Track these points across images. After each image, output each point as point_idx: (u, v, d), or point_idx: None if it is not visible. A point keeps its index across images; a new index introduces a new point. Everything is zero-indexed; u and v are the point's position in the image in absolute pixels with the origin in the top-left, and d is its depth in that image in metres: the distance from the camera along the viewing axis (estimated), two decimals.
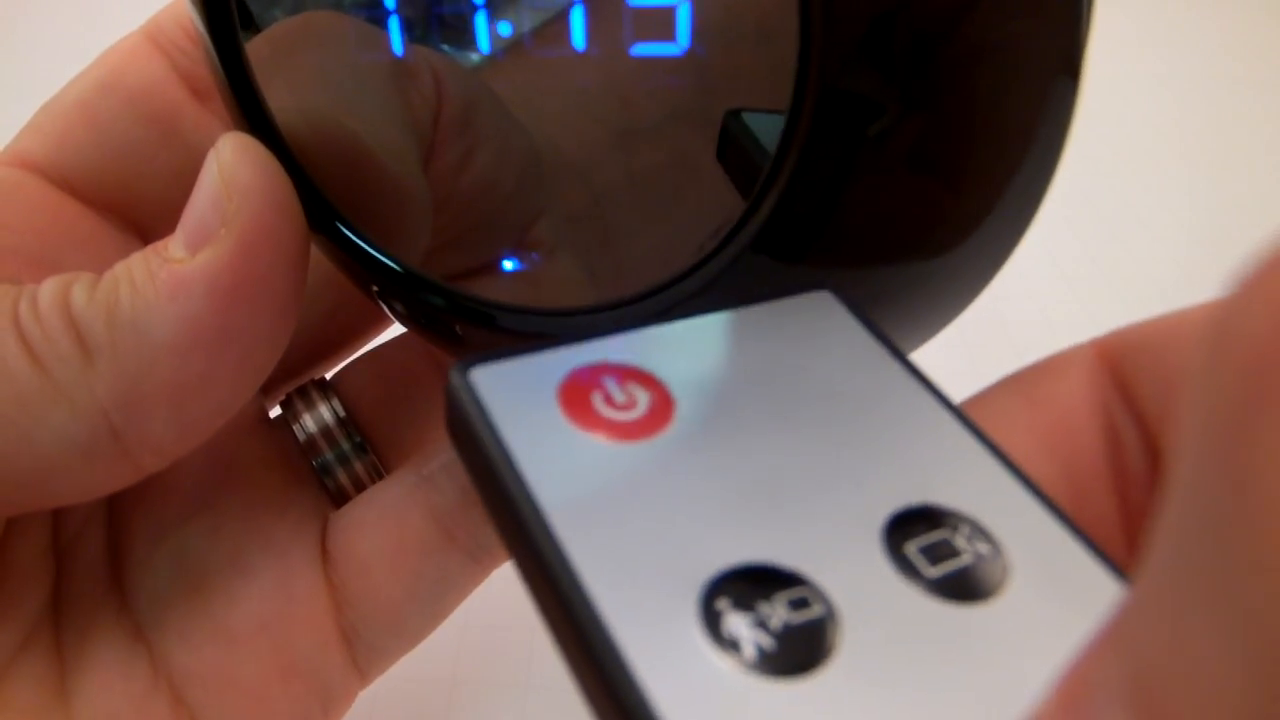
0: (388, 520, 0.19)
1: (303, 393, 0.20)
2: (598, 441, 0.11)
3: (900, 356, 0.13)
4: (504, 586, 0.27)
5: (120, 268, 0.15)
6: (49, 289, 0.15)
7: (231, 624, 0.18)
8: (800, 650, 0.09)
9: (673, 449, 0.11)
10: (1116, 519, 0.13)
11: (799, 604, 0.10)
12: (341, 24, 0.15)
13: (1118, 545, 0.12)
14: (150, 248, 0.15)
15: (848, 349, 0.13)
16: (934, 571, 0.10)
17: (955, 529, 0.11)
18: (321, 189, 0.16)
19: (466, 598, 0.20)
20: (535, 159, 0.15)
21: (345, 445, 0.20)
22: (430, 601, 0.19)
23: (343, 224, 0.16)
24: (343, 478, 0.20)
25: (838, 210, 0.14)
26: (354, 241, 0.16)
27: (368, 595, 0.19)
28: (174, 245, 0.14)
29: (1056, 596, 0.10)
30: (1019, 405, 0.13)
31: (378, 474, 0.20)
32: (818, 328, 0.13)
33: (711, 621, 0.10)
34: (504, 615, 0.27)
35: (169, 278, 0.14)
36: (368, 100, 0.15)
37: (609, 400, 0.12)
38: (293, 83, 0.15)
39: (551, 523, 0.10)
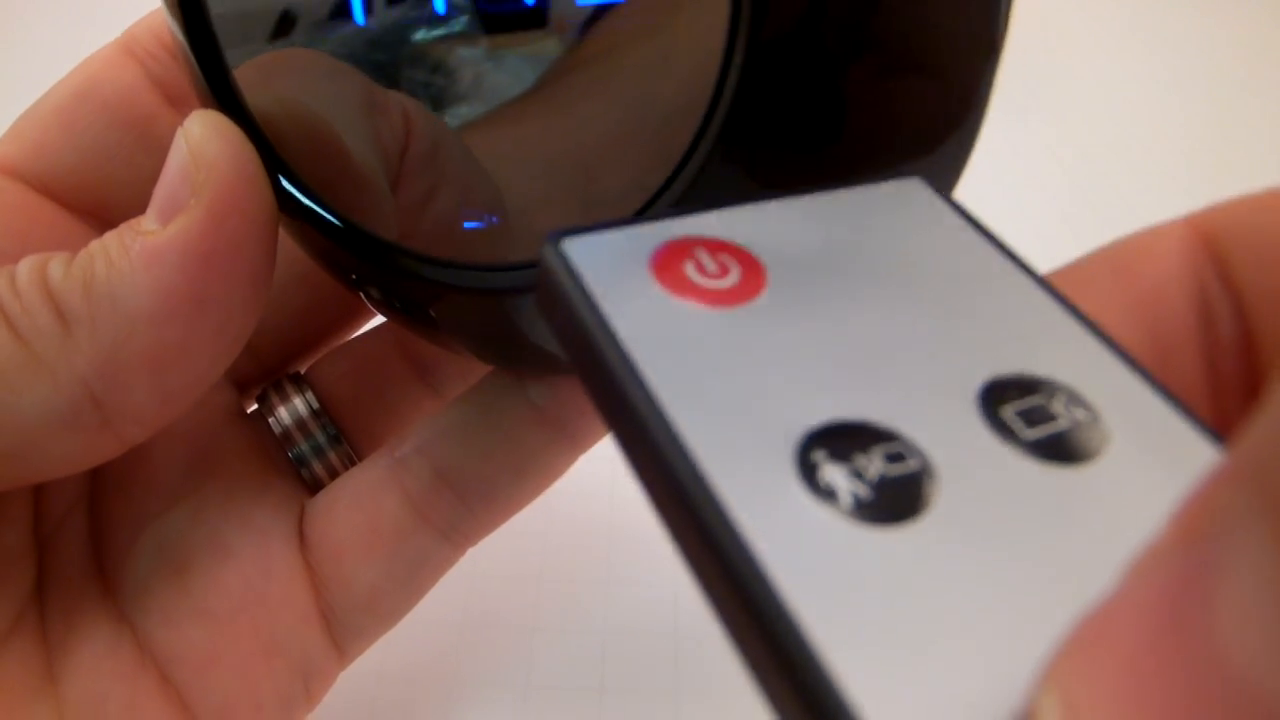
0: (362, 503, 0.19)
1: (277, 387, 0.21)
2: (691, 307, 0.11)
3: (989, 236, 0.13)
4: (504, 586, 0.27)
5: (95, 244, 0.15)
6: (26, 266, 0.15)
7: (213, 605, 0.18)
8: (897, 500, 0.09)
9: (766, 316, 0.11)
10: (1204, 388, 0.13)
11: (895, 458, 0.10)
12: (319, 60, 0.16)
13: (1205, 412, 0.13)
14: (124, 225, 0.15)
15: (938, 227, 0.13)
16: (1031, 434, 0.10)
17: (1052, 395, 0.11)
18: (294, 170, 0.16)
19: (440, 578, 0.20)
20: (500, 203, 0.16)
21: (320, 436, 0.21)
22: (405, 582, 0.19)
23: (304, 191, 0.16)
24: (318, 467, 0.20)
25: (801, 100, 0.14)
26: (312, 208, 0.16)
27: (344, 577, 0.19)
28: (146, 219, 0.15)
29: (1155, 461, 0.10)
30: (1108, 276, 0.14)
31: (352, 463, 0.21)
32: (908, 209, 0.13)
33: (808, 472, 0.10)
34: (504, 615, 0.27)
35: (142, 249, 0.15)
36: (340, 118, 0.16)
37: (701, 269, 0.12)
38: (273, 91, 0.16)
39: (649, 383, 0.10)
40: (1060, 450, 0.10)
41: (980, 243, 0.13)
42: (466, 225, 0.17)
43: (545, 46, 0.16)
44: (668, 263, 0.12)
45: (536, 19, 0.16)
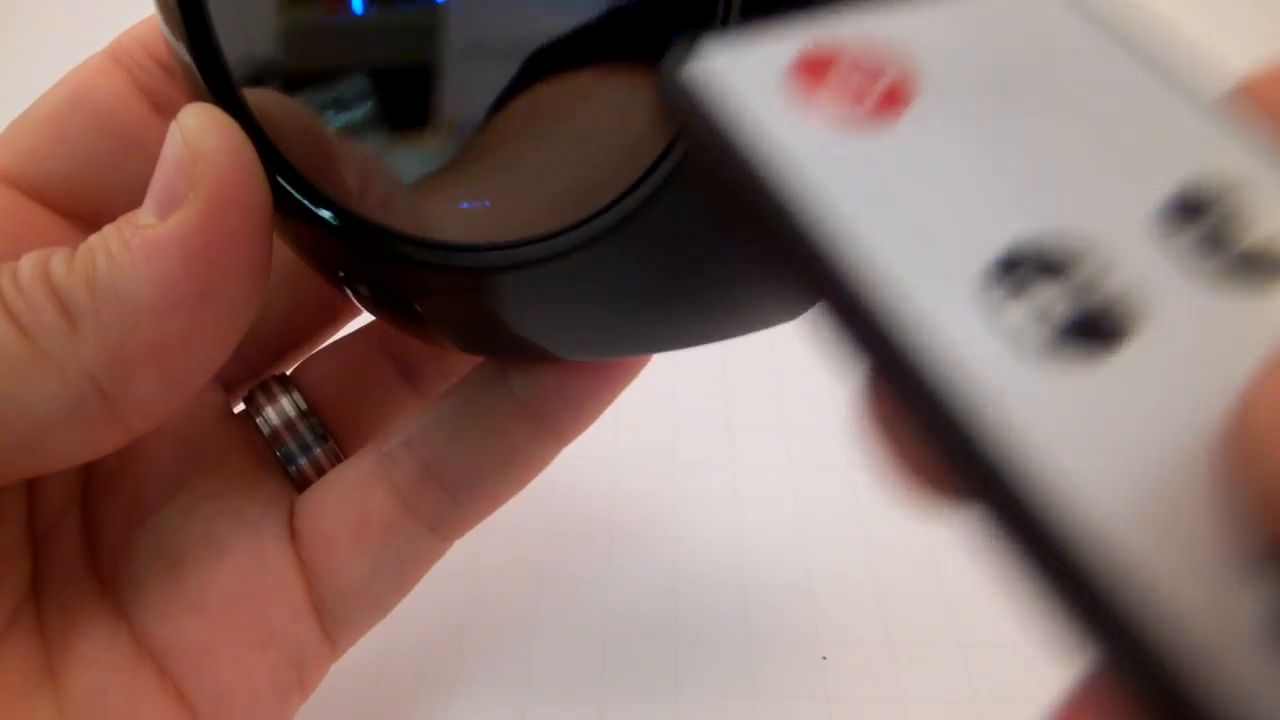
0: (351, 497, 0.20)
1: (264, 388, 0.21)
2: (835, 130, 0.10)
3: (1142, 45, 0.12)
4: (504, 586, 0.27)
5: (95, 239, 0.16)
6: (28, 263, 0.16)
7: (208, 598, 0.19)
8: (1089, 336, 0.09)
9: (918, 133, 0.11)
10: None
11: (1079, 290, 0.09)
12: (290, 102, 0.16)
13: None
14: (121, 219, 0.16)
15: (1090, 37, 0.12)
16: (1220, 256, 0.10)
17: (1237, 211, 0.10)
18: (289, 163, 0.17)
19: (429, 570, 0.21)
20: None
21: (307, 435, 0.21)
22: (394, 573, 0.20)
23: (297, 185, 0.16)
24: (305, 465, 0.21)
25: None
26: (305, 203, 0.16)
27: (334, 569, 0.19)
28: (144, 213, 0.15)
29: None
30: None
31: (338, 460, 0.21)
32: (1054, 17, 0.12)
33: (993, 307, 0.09)
34: (504, 615, 0.27)
35: (142, 243, 0.15)
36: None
37: (843, 85, 0.11)
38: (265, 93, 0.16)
39: (808, 215, 0.10)
40: (1252, 271, 0.10)
41: (1130, 49, 0.12)
42: (464, 205, 0.17)
43: (440, 145, 0.16)
44: (806, 81, 0.11)
45: (420, 118, 0.16)
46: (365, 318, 0.22)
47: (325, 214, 0.16)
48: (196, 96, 0.16)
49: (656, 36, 0.15)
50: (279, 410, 0.21)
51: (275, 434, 0.21)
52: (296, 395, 0.21)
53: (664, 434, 0.32)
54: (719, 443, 0.32)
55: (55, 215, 0.19)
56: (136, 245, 0.15)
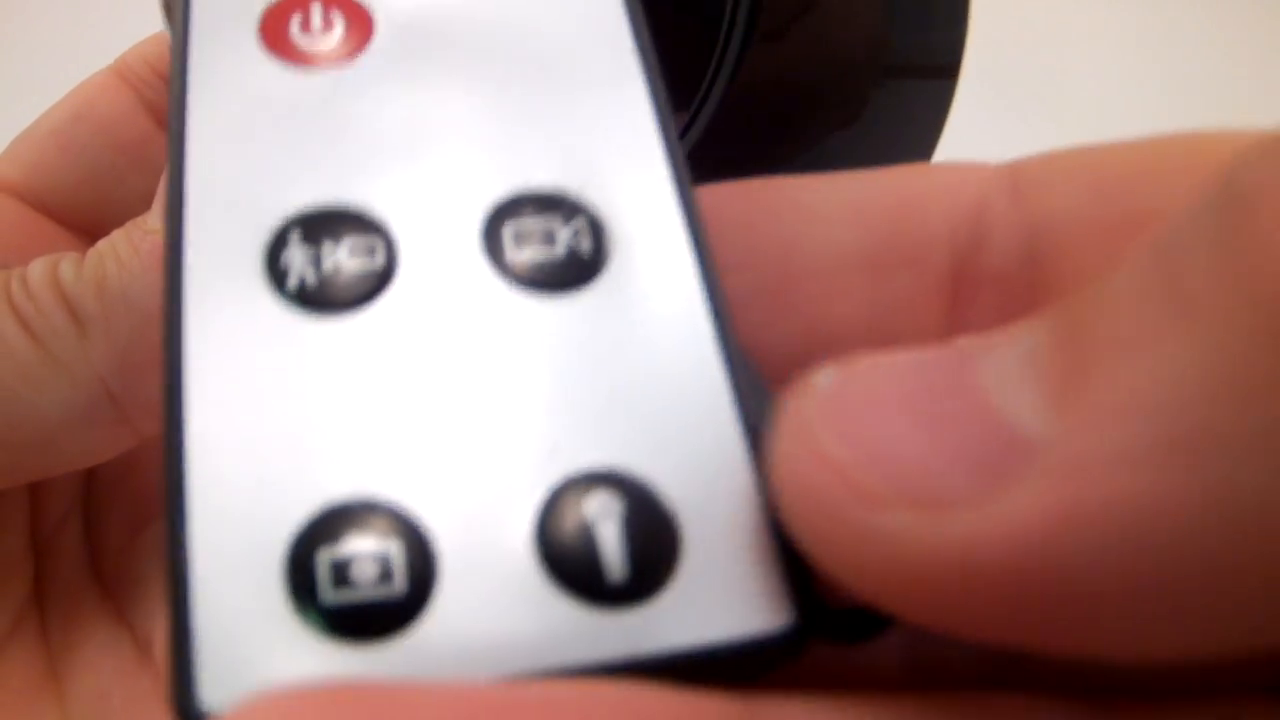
0: None
1: None
2: (275, 66, 0.11)
3: (641, 36, 0.11)
4: None
5: (104, 244, 0.16)
6: (38, 268, 0.16)
7: None
8: (341, 291, 0.10)
9: (340, 82, 0.11)
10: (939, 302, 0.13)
11: (363, 250, 0.10)
12: None
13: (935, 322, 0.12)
14: (129, 224, 0.16)
15: (586, 8, 0.12)
16: (517, 255, 0.10)
17: (569, 218, 0.10)
18: None
19: None
20: None
21: None
22: None
23: None
24: None
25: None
26: None
27: None
28: (152, 218, 0.16)
29: (632, 308, 0.10)
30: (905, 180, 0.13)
31: None
32: None
33: (273, 253, 0.10)
34: None
35: (151, 248, 0.15)
36: None
37: (306, 25, 0.11)
38: None
39: (188, 131, 0.10)
40: (537, 276, 0.10)
41: (621, 32, 0.11)
42: None
43: None
44: (278, 17, 0.11)
45: None
46: None
47: None
48: None
49: None
50: None
51: None
52: None
53: None
54: None
55: (60, 227, 0.19)
56: (145, 251, 0.15)
